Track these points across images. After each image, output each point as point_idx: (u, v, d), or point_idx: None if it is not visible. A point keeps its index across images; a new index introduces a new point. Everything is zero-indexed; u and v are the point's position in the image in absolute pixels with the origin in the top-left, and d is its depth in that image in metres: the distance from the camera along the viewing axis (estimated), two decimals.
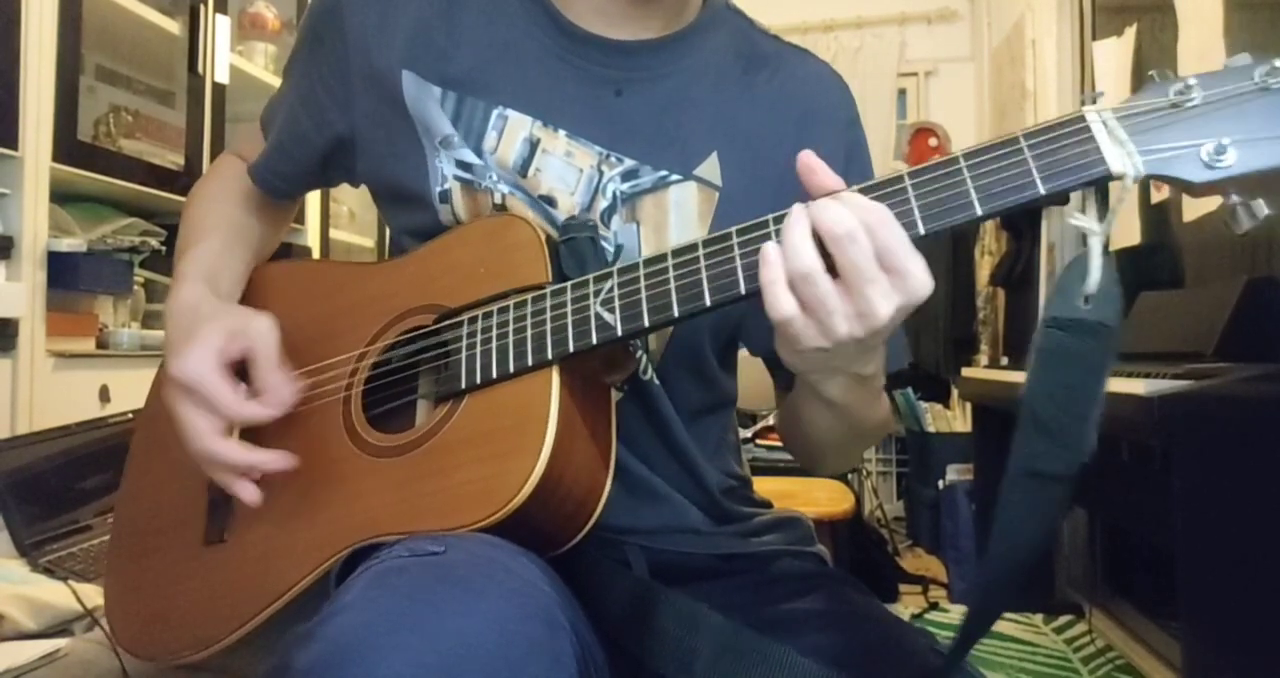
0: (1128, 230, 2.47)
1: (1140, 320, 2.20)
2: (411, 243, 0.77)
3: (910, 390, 3.58)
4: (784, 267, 0.54)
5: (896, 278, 0.54)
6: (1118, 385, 1.61)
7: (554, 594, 0.55)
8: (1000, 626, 2.52)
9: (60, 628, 0.98)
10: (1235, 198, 0.52)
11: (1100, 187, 0.54)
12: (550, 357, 0.63)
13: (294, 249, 2.41)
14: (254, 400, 0.67)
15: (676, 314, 0.60)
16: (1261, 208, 0.52)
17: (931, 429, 3.52)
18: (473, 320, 0.68)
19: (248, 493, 0.66)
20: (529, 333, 0.64)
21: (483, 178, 0.73)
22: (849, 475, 2.99)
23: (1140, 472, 2.06)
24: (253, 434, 0.71)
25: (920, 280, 0.54)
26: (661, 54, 0.76)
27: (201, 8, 2.00)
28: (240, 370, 0.69)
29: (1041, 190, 0.53)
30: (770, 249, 0.55)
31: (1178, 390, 1.50)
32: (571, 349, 0.63)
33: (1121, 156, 0.52)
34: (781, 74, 0.80)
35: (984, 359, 3.66)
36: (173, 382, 0.67)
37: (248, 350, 0.68)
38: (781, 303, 0.55)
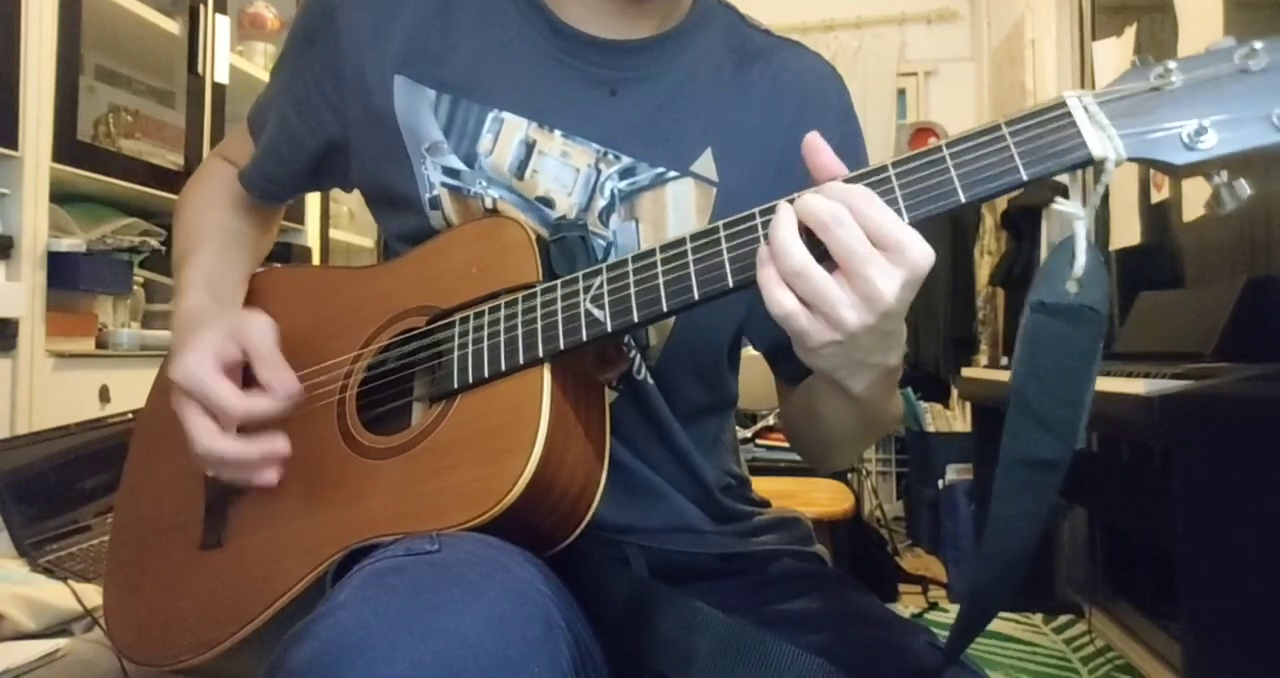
0: (1128, 230, 2.47)
1: (1140, 320, 2.20)
2: (404, 247, 0.77)
3: (910, 390, 3.58)
4: (775, 266, 0.55)
5: (894, 253, 0.53)
6: (1118, 385, 1.61)
7: (551, 594, 0.55)
8: (1000, 626, 2.52)
9: (60, 628, 0.97)
10: (1218, 179, 0.52)
11: (1096, 171, 0.54)
12: (541, 354, 0.63)
13: (294, 249, 2.40)
14: (258, 394, 0.67)
15: (665, 308, 0.60)
16: (1244, 188, 0.52)
17: (931, 429, 3.52)
18: (464, 320, 0.68)
19: (264, 478, 0.66)
20: (520, 331, 0.64)
21: (471, 184, 0.73)
22: (849, 475, 2.99)
23: (1140, 472, 2.07)
24: None
25: (919, 251, 0.53)
26: (655, 52, 0.76)
27: (201, 8, 2.00)
28: (247, 373, 0.69)
29: (1023, 176, 0.54)
30: (762, 251, 0.56)
31: (1178, 390, 1.50)
32: (562, 346, 0.62)
33: (1102, 140, 0.53)
34: (774, 67, 0.80)
35: (984, 359, 3.66)
36: (175, 387, 0.67)
37: (246, 349, 0.68)
38: (780, 300, 0.55)
